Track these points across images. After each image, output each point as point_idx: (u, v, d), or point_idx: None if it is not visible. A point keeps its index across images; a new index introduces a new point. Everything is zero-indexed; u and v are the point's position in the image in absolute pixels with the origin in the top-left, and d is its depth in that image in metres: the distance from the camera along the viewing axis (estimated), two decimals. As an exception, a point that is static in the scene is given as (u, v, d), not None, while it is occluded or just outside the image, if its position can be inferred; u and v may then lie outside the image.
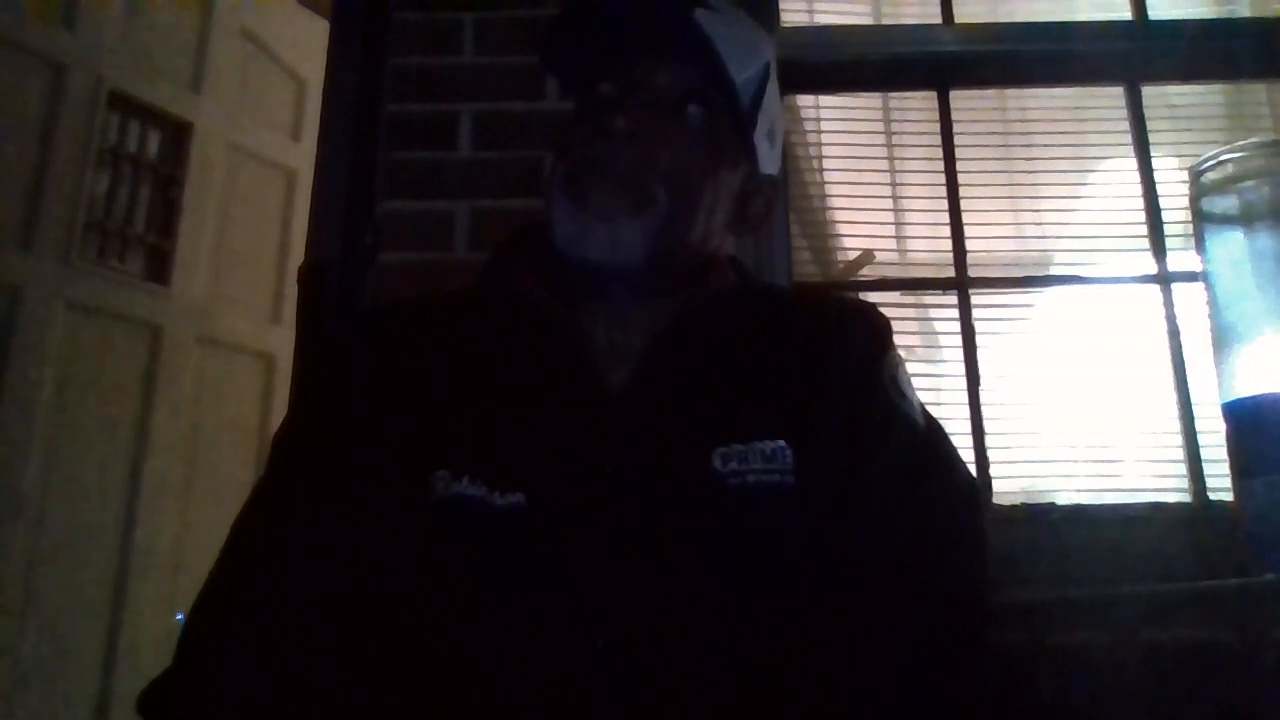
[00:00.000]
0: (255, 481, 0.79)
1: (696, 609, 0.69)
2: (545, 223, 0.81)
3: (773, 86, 0.88)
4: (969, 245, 1.53)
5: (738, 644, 0.69)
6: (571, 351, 0.78)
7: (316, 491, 0.75)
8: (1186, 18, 1.71)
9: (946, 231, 1.54)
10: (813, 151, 1.75)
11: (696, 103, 0.81)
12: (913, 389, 0.83)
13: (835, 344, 0.82)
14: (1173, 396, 1.47)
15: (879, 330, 0.85)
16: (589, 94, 0.84)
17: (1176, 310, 1.49)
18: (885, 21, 1.87)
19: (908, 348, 1.61)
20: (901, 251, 1.85)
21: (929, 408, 0.84)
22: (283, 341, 2.24)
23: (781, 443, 0.73)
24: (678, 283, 0.83)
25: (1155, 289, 1.52)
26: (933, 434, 0.82)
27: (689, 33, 0.79)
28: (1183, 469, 1.44)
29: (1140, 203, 1.56)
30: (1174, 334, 1.48)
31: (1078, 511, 1.39)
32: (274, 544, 0.73)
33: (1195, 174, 1.26)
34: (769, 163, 0.89)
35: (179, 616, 1.92)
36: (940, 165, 1.57)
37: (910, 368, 0.86)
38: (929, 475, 0.79)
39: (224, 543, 0.75)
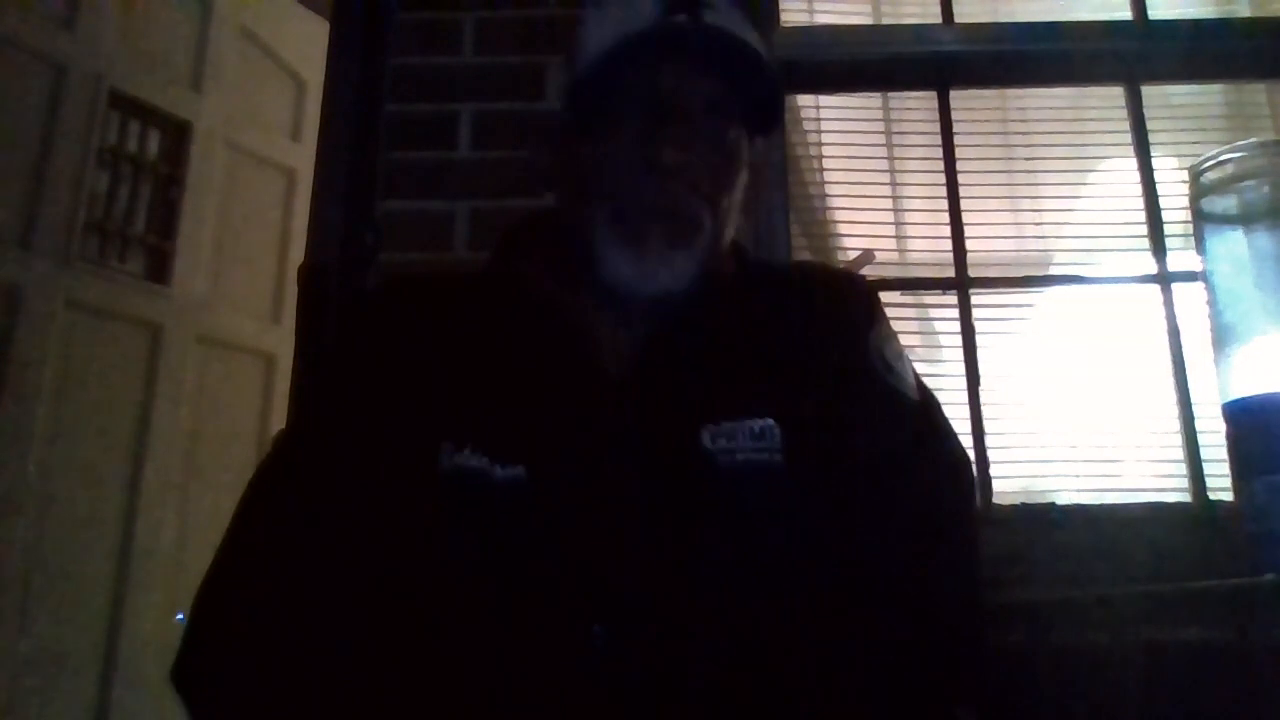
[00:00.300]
0: (261, 464, 0.80)
1: (691, 590, 0.70)
2: (585, 244, 0.80)
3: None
4: (969, 245, 1.53)
5: (732, 624, 0.69)
6: (575, 338, 0.79)
7: (323, 469, 0.76)
8: (1186, 18, 1.71)
9: (946, 231, 1.54)
10: (813, 151, 1.75)
11: (729, 117, 0.80)
12: (905, 361, 0.83)
13: (823, 319, 0.82)
14: (1173, 396, 1.47)
15: (866, 304, 0.85)
16: (614, 107, 0.80)
17: (1176, 310, 1.49)
18: (885, 21, 1.87)
19: (908, 348, 1.61)
20: (901, 251, 1.85)
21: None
22: (283, 341, 2.23)
23: (770, 420, 0.73)
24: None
25: (1155, 289, 1.51)
26: (926, 405, 0.82)
27: (721, 42, 0.78)
28: (1183, 469, 1.44)
29: (1140, 203, 1.56)
30: (1174, 334, 1.48)
31: (1078, 511, 1.38)
32: (280, 523, 0.74)
33: (1195, 174, 1.26)
34: (756, 152, 0.90)
35: (179, 617, 1.92)
36: (940, 165, 1.57)
37: (909, 367, 0.86)
38: (922, 447, 0.79)
39: (231, 519, 0.76)
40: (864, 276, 0.92)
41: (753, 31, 0.85)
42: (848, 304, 0.84)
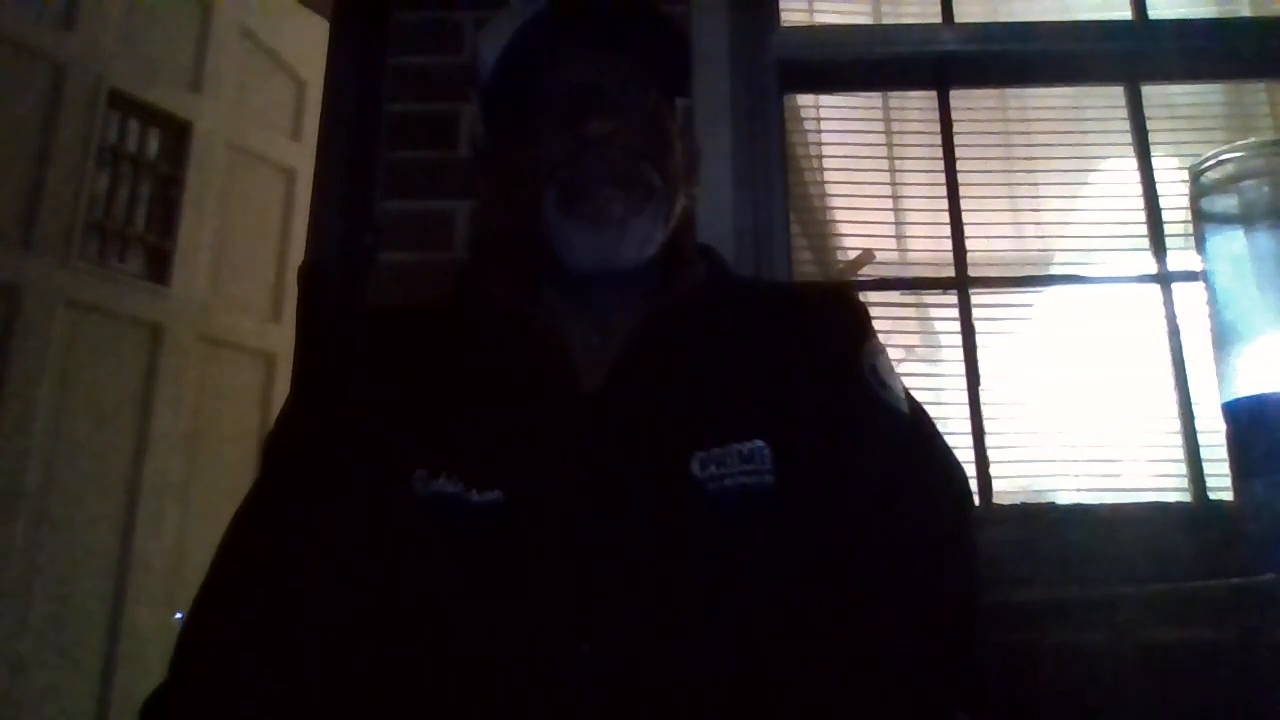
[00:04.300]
0: (250, 486, 0.79)
1: (680, 613, 0.69)
2: (541, 241, 0.80)
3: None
4: (969, 245, 1.53)
5: (723, 647, 0.69)
6: (547, 354, 0.79)
7: (304, 499, 0.75)
8: (1186, 17, 1.71)
9: (946, 231, 1.54)
10: (813, 151, 1.75)
11: (643, 85, 0.81)
12: (895, 375, 0.83)
13: (812, 336, 0.81)
14: (1173, 396, 1.46)
15: (856, 319, 0.84)
16: (530, 106, 0.82)
17: (1176, 310, 1.49)
18: (885, 21, 1.87)
19: (908, 347, 1.61)
20: (901, 251, 1.85)
21: (928, 407, 0.84)
22: (283, 341, 2.24)
23: (759, 442, 0.73)
24: (655, 273, 0.83)
25: (1155, 289, 1.51)
26: (917, 419, 0.82)
27: (613, 13, 0.80)
28: (1183, 469, 1.44)
29: (1140, 203, 1.56)
30: (1174, 334, 1.48)
31: (1078, 511, 1.38)
32: (264, 553, 0.74)
33: (1195, 174, 1.26)
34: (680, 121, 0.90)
35: (179, 616, 1.92)
36: (940, 165, 1.57)
37: (910, 367, 0.86)
38: (915, 461, 0.79)
39: (216, 552, 0.75)
40: (855, 291, 0.92)
41: None
42: (839, 319, 0.84)
